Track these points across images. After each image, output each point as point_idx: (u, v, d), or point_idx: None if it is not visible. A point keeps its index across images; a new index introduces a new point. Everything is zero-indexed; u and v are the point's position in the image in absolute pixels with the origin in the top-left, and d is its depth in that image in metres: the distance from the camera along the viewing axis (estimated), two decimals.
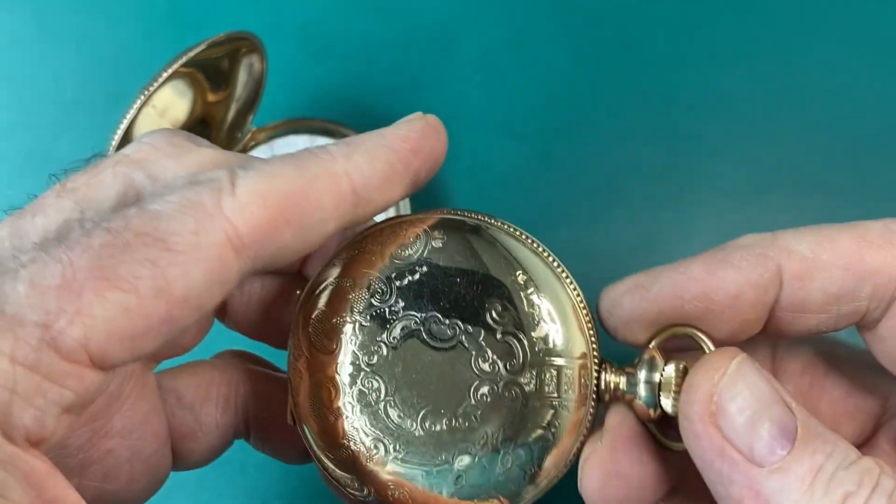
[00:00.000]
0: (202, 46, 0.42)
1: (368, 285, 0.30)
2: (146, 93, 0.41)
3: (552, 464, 0.29)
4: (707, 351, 0.29)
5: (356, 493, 0.29)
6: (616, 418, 0.29)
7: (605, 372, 0.30)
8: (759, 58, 0.51)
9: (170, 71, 0.41)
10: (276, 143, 0.50)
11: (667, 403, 0.29)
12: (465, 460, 0.29)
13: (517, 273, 0.30)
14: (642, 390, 0.29)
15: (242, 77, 0.47)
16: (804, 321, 0.29)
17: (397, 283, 0.30)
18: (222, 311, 0.34)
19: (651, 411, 0.29)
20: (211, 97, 0.46)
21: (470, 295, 0.29)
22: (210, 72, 0.45)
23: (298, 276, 0.33)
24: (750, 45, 0.51)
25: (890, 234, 0.28)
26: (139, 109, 0.41)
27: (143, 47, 0.54)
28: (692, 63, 0.51)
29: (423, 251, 0.30)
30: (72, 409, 0.24)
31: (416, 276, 0.30)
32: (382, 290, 0.30)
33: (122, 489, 0.30)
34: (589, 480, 0.28)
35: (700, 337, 0.29)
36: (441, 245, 0.30)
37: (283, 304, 0.33)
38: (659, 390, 0.29)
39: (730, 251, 0.29)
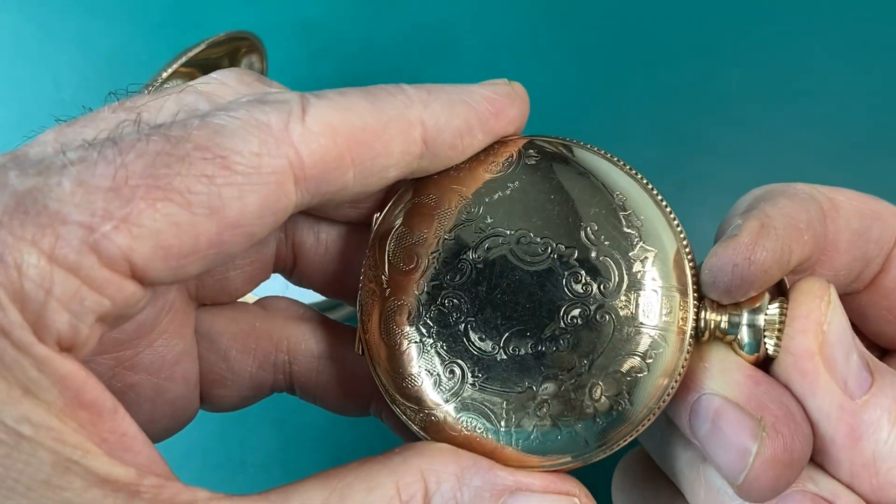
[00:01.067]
0: (202, 46, 0.42)
1: (455, 201, 0.28)
2: (146, 92, 0.41)
3: (644, 401, 0.26)
4: (787, 288, 0.28)
5: (420, 428, 0.27)
6: (769, 395, 0.26)
7: (705, 310, 0.27)
8: (759, 57, 0.51)
9: (170, 71, 0.41)
10: None
11: (770, 344, 0.27)
12: (550, 388, 0.26)
13: (615, 193, 0.27)
14: (745, 332, 0.27)
15: None
16: (833, 262, 0.29)
17: (486, 198, 0.28)
18: (290, 266, 0.32)
19: (754, 355, 0.27)
20: None
21: (565, 212, 0.27)
22: (210, 71, 0.45)
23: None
24: (750, 45, 0.51)
25: (868, 195, 0.30)
26: None
27: (143, 47, 0.54)
28: (692, 62, 0.51)
29: (516, 167, 0.28)
30: (107, 320, 0.23)
31: (508, 192, 0.28)
32: (470, 205, 0.28)
33: (143, 427, 0.29)
34: (761, 478, 0.25)
35: (784, 277, 0.28)
36: (535, 163, 0.28)
37: (360, 254, 0.31)
38: (764, 332, 0.27)
39: (785, 191, 0.28)
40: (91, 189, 0.22)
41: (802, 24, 0.51)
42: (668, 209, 0.28)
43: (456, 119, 0.27)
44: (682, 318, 0.27)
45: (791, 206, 0.27)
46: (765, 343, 0.27)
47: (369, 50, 0.53)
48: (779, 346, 0.27)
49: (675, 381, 0.27)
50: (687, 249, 0.28)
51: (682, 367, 0.27)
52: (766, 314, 0.27)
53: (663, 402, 0.27)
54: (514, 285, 0.27)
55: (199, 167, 0.23)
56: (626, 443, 0.27)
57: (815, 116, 0.50)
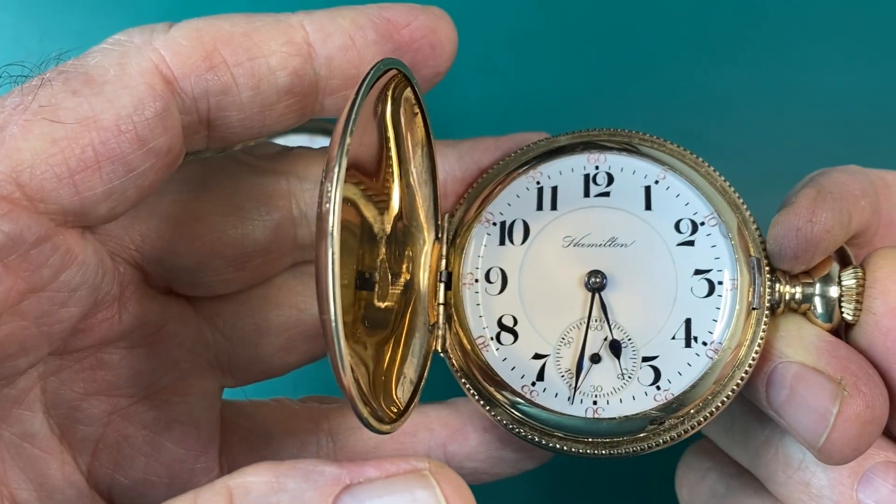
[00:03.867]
0: None
1: None
2: None
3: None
4: (853, 260, 0.29)
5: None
6: (848, 358, 0.27)
7: (779, 282, 0.29)
8: (759, 58, 0.51)
9: None
10: None
11: (848, 309, 0.28)
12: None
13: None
14: (818, 301, 0.28)
15: None
16: (892, 237, 0.30)
17: None
18: None
19: (830, 323, 0.28)
20: None
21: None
22: None
23: None
24: (750, 45, 0.51)
25: None
26: None
27: None
28: (692, 63, 0.51)
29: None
30: (8, 260, 0.22)
31: None
32: None
33: (138, 487, 0.29)
34: (844, 436, 0.26)
35: (846, 247, 0.29)
36: None
37: None
38: (840, 299, 0.28)
39: (837, 168, 0.29)
40: None
41: (803, 25, 0.51)
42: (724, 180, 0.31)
43: (342, 20, 0.27)
44: (750, 290, 0.29)
45: (844, 177, 0.29)
46: (842, 310, 0.28)
47: None
48: (858, 311, 0.27)
49: (756, 353, 0.28)
50: (752, 219, 0.30)
51: (761, 339, 0.28)
52: (842, 282, 0.28)
53: (745, 373, 0.28)
54: None
55: (62, 86, 0.24)
56: (704, 418, 0.28)
57: (815, 116, 0.50)
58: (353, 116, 0.23)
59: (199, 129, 0.26)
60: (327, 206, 0.21)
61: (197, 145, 0.27)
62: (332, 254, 0.21)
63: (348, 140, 0.22)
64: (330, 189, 0.22)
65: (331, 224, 0.21)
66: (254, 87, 0.26)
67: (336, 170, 0.22)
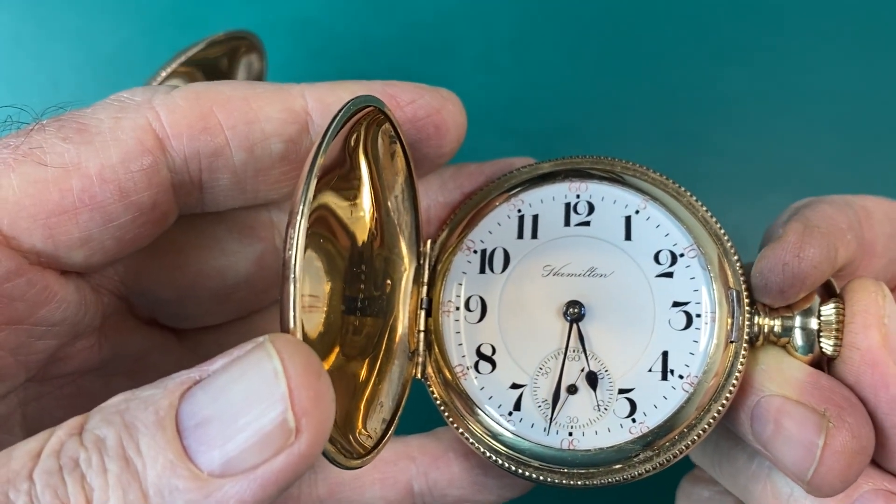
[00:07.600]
0: (201, 45, 0.42)
1: None
2: None
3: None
4: (837, 291, 0.29)
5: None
6: (831, 389, 0.27)
7: (758, 314, 0.29)
8: (759, 58, 0.51)
9: (169, 70, 0.41)
10: None
11: (828, 344, 0.28)
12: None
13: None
14: (798, 334, 0.28)
15: (241, 76, 0.47)
16: (872, 266, 0.30)
17: None
18: None
19: (809, 356, 0.28)
20: None
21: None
22: (209, 71, 0.45)
23: None
24: (750, 45, 0.51)
25: (885, 198, 0.30)
26: None
27: (143, 46, 0.54)
28: (693, 63, 0.51)
29: None
30: None
31: None
32: None
33: None
34: (833, 469, 0.25)
35: (831, 279, 0.29)
36: None
37: None
38: (819, 333, 0.28)
39: (822, 199, 0.29)
40: None
41: (803, 25, 0.51)
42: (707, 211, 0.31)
43: (343, 93, 0.27)
44: (728, 322, 0.28)
45: (830, 210, 0.28)
46: (821, 344, 0.28)
47: (368, 48, 0.53)
48: (838, 346, 0.27)
49: (733, 386, 0.28)
50: (735, 257, 0.29)
51: (739, 372, 0.28)
52: (821, 316, 0.28)
53: (722, 406, 0.28)
54: None
55: (55, 133, 0.24)
56: (679, 451, 0.28)
57: (815, 117, 0.50)
58: (315, 167, 0.22)
59: (191, 190, 0.26)
60: (290, 252, 0.21)
61: (192, 207, 0.27)
62: (294, 301, 0.21)
63: (311, 193, 0.22)
64: (293, 235, 0.22)
65: (293, 270, 0.21)
66: (247, 150, 0.26)
67: (298, 217, 0.22)
